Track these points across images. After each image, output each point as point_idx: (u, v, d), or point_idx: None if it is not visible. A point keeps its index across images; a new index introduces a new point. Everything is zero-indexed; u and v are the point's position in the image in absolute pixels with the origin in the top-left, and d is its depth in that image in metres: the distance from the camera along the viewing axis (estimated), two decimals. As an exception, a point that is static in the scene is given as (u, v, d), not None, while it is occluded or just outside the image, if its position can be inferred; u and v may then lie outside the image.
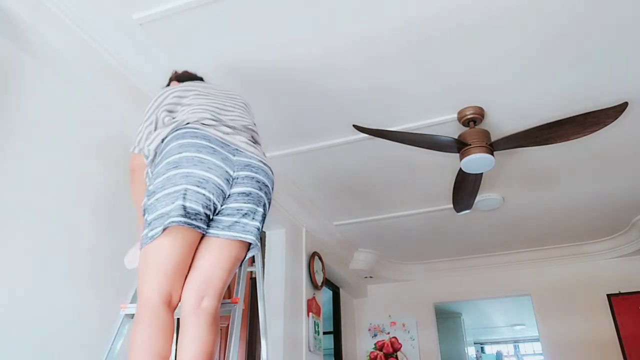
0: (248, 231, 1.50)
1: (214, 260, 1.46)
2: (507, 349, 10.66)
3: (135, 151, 1.64)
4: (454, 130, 2.87)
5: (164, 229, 1.37)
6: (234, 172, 1.49)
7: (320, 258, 4.37)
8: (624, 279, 4.99)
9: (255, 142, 1.70)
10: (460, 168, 2.91)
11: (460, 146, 2.76)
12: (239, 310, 1.63)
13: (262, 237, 3.87)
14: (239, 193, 1.50)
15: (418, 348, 5.45)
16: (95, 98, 2.15)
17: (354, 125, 2.77)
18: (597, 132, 2.67)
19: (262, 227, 1.58)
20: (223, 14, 2.07)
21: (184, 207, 1.38)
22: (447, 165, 3.40)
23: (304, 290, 3.97)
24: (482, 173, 3.02)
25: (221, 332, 3.21)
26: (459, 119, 2.81)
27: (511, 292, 5.44)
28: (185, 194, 1.39)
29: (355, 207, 4.16)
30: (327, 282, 4.96)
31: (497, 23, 2.16)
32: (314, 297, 4.15)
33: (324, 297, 4.65)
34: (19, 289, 1.65)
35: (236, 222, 1.50)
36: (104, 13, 2.04)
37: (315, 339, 4.02)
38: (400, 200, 4.03)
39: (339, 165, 3.42)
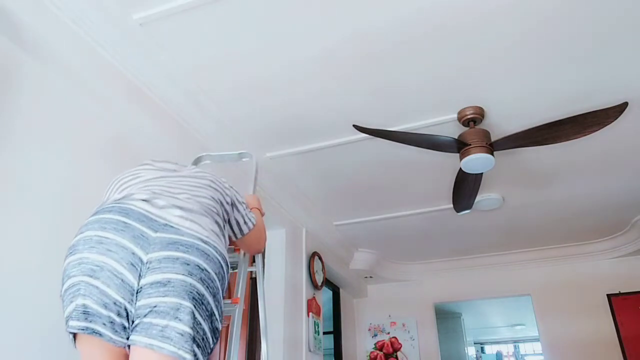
0: (167, 337, 1.03)
1: None
2: (507, 349, 10.67)
3: None
4: (454, 130, 2.87)
5: (74, 339, 1.11)
6: (146, 253, 1.09)
7: (320, 258, 4.37)
8: (624, 279, 4.99)
9: (206, 217, 1.27)
10: (460, 168, 2.91)
11: (460, 146, 2.76)
12: (239, 310, 1.63)
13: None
14: (151, 283, 1.07)
15: (418, 348, 5.45)
16: (95, 98, 2.15)
17: (354, 125, 2.77)
18: (597, 132, 2.67)
19: (200, 332, 1.09)
20: (223, 14, 2.07)
21: (85, 307, 1.06)
22: (447, 165, 3.40)
23: (304, 290, 3.97)
24: (482, 173, 3.02)
25: (221, 333, 3.21)
26: (459, 119, 2.81)
27: (511, 292, 5.44)
28: (80, 288, 1.07)
29: (355, 207, 4.16)
30: (327, 282, 4.96)
31: (497, 23, 2.16)
32: (314, 297, 4.15)
33: (324, 297, 4.65)
34: (17, 289, 1.65)
35: (151, 323, 1.04)
36: (104, 13, 2.04)
37: (315, 339, 4.02)
38: (400, 200, 4.03)
39: (339, 165, 3.42)
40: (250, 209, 1.71)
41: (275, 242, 3.78)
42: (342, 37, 2.22)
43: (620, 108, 2.56)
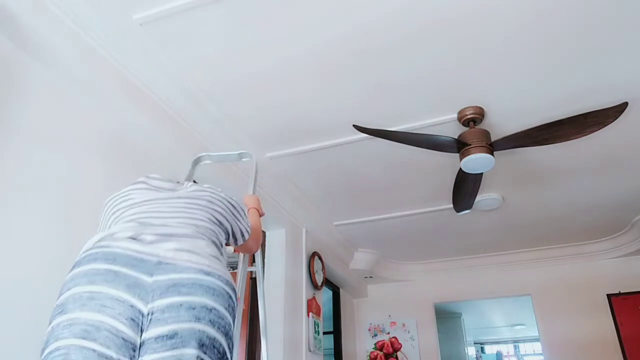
0: None
1: None
2: (507, 349, 10.67)
3: None
4: (454, 130, 2.87)
5: None
6: (147, 303, 1.01)
7: (320, 258, 4.37)
8: (624, 279, 4.99)
9: (202, 239, 1.20)
10: (460, 168, 2.91)
11: (460, 146, 2.76)
12: (239, 310, 1.63)
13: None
14: (156, 338, 0.99)
15: (418, 348, 5.45)
16: (95, 98, 2.15)
17: (354, 125, 2.77)
18: (597, 132, 2.67)
19: None
20: (223, 13, 2.07)
21: None
22: (447, 165, 3.40)
23: (304, 290, 3.97)
24: (482, 173, 3.02)
25: (221, 332, 3.21)
26: (459, 119, 2.81)
27: (511, 292, 5.44)
28: (68, 353, 0.96)
29: (355, 207, 4.16)
30: (327, 282, 4.96)
31: (497, 23, 2.16)
32: (314, 297, 4.15)
33: (324, 297, 4.65)
34: (17, 288, 1.65)
35: None
36: (104, 13, 2.05)
37: (315, 339, 4.02)
38: (400, 200, 4.03)
39: (339, 165, 3.42)
40: (249, 209, 1.73)
41: (275, 242, 3.78)
42: (342, 37, 2.22)
43: (620, 108, 2.56)
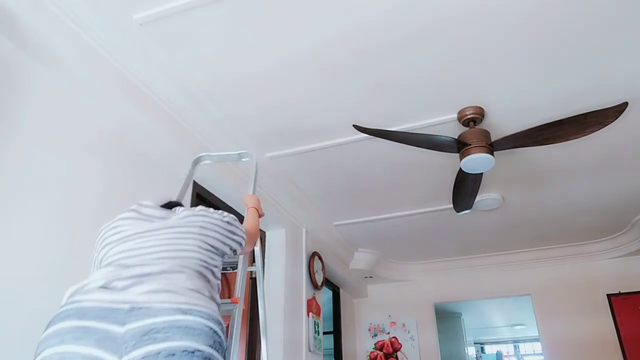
0: None
1: None
2: (507, 349, 10.67)
3: None
4: (454, 130, 2.87)
5: None
6: (120, 357, 0.95)
7: (320, 258, 4.37)
8: (624, 279, 4.99)
9: (182, 272, 1.14)
10: (460, 168, 2.91)
11: (460, 146, 2.76)
12: (239, 310, 1.63)
13: (262, 237, 3.86)
14: None
15: (418, 348, 5.45)
16: (95, 98, 2.15)
17: (354, 125, 2.78)
18: (597, 132, 2.67)
19: None
20: (223, 13, 2.07)
21: None
22: (447, 165, 3.40)
23: (304, 290, 3.97)
24: (482, 173, 3.02)
25: (221, 332, 3.20)
26: (459, 119, 2.81)
27: (511, 292, 5.44)
28: None
29: (355, 207, 4.16)
30: (327, 282, 4.96)
31: (497, 23, 2.16)
32: (314, 297, 4.15)
33: (324, 297, 4.65)
34: (17, 288, 1.65)
35: None
36: (104, 13, 2.04)
37: (315, 339, 4.02)
38: (400, 200, 4.03)
39: (339, 165, 3.42)
40: (248, 209, 1.73)
41: (275, 242, 3.78)
42: (342, 37, 2.22)
43: (620, 108, 2.56)
